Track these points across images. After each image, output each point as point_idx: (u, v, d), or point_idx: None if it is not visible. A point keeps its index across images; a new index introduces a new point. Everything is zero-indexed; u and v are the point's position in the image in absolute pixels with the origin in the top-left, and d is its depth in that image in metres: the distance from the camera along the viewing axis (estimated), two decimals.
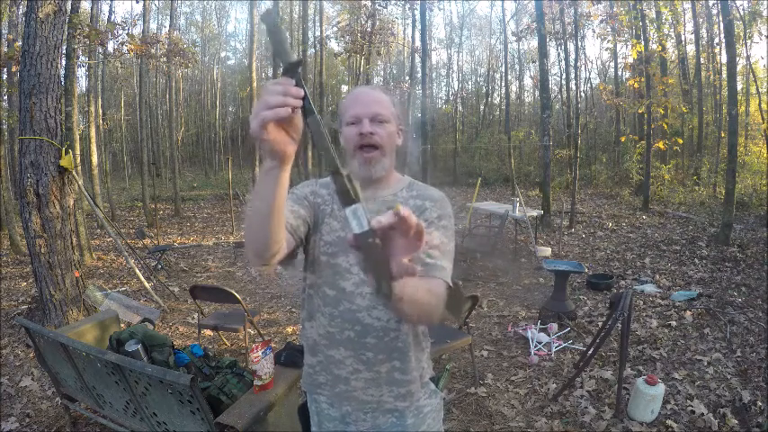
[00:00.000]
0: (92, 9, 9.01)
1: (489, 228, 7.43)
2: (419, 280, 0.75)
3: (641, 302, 4.38)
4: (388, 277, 0.61)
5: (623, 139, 11.77)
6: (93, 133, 9.12)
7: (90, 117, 9.39)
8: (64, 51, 5.48)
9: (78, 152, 7.55)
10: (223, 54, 28.70)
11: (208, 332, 3.87)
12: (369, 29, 13.34)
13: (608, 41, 12.23)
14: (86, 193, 5.02)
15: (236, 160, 22.04)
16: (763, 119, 9.37)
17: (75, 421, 2.59)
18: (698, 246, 6.55)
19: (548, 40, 10.98)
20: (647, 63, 9.47)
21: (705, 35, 14.32)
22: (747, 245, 6.40)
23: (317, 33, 15.76)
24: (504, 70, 19.61)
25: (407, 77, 17.75)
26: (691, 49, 15.01)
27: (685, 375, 3.01)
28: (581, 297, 4.65)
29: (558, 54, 17.18)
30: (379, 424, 1.14)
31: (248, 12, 14.23)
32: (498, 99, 24.44)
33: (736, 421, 2.52)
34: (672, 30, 13.41)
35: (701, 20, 14.14)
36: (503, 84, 21.68)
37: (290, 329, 4.10)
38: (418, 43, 14.08)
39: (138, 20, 10.86)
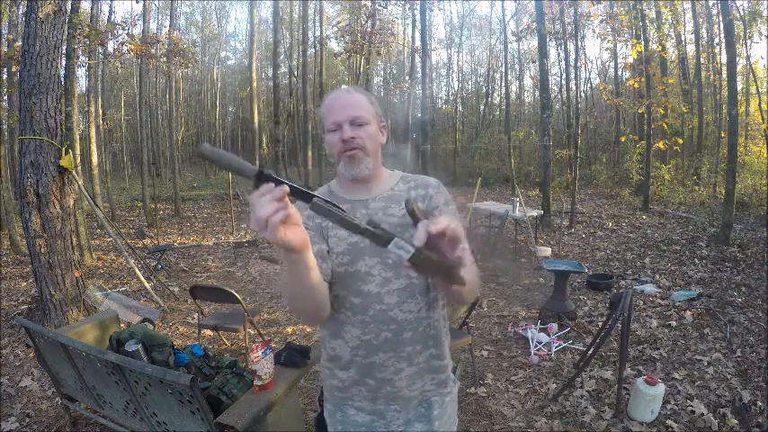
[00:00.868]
0: (92, 9, 9.01)
1: (489, 228, 7.43)
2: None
3: (641, 302, 4.38)
4: (455, 275, 0.71)
5: (623, 139, 11.77)
6: (93, 133, 9.12)
7: (90, 117, 9.39)
8: (64, 51, 5.48)
9: (78, 152, 7.55)
10: (223, 54, 28.73)
11: (208, 332, 3.87)
12: (369, 29, 13.34)
13: (608, 41, 12.23)
14: (86, 193, 5.02)
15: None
16: (763, 119, 9.36)
17: (75, 421, 2.59)
18: (698, 246, 6.55)
19: (548, 40, 10.98)
20: (647, 63, 9.47)
21: (705, 35, 14.32)
22: (747, 245, 6.40)
23: (317, 33, 15.75)
24: (504, 70, 19.60)
25: (407, 77, 17.77)
26: (691, 49, 15.02)
27: (685, 375, 3.01)
28: (581, 297, 4.65)
29: (558, 54, 17.19)
30: (410, 418, 1.16)
31: (248, 12, 14.24)
32: (498, 99, 24.45)
33: (736, 421, 2.52)
34: (672, 30, 13.41)
35: (701, 20, 14.14)
36: (503, 84, 21.68)
37: (290, 329, 4.10)
38: (418, 43, 14.09)
39: (138, 20, 10.86)
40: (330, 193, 1.16)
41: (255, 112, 12.36)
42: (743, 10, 9.78)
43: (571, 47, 13.09)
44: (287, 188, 0.70)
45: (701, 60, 13.81)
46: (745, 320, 3.85)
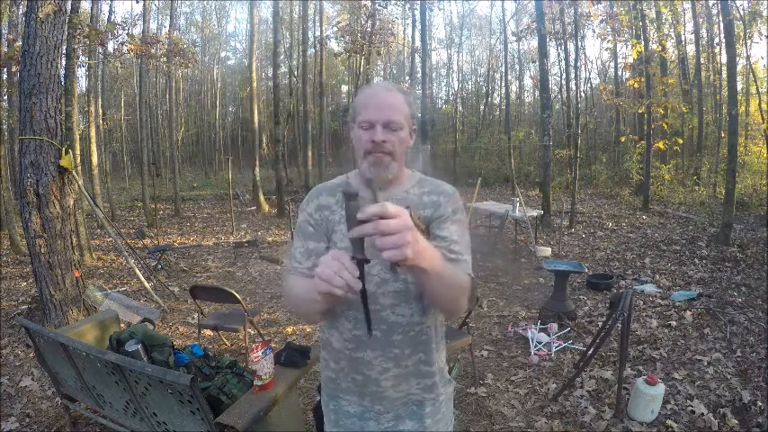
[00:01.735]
0: (92, 9, 9.01)
1: (489, 228, 7.44)
2: (447, 264, 0.89)
3: (641, 302, 4.38)
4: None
5: (623, 139, 11.77)
6: (93, 133, 9.12)
7: (90, 117, 9.39)
8: (64, 51, 5.47)
9: (78, 152, 7.54)
10: (223, 54, 28.73)
11: (208, 332, 3.87)
12: (369, 29, 13.33)
13: (608, 41, 12.22)
14: (86, 193, 5.02)
15: (236, 160, 22.06)
16: (763, 119, 9.36)
17: (75, 421, 2.59)
18: (698, 246, 6.55)
19: (548, 40, 10.98)
20: (647, 63, 9.47)
21: (705, 35, 14.32)
22: (747, 245, 6.40)
23: (317, 33, 15.76)
24: (504, 70, 19.60)
25: (407, 77, 17.77)
26: (691, 49, 15.02)
27: (685, 375, 3.01)
28: (581, 297, 4.65)
29: (558, 54, 17.18)
30: (400, 414, 1.16)
31: (248, 12, 14.24)
32: (498, 99, 24.46)
33: (736, 421, 2.52)
34: (672, 30, 13.41)
35: (701, 20, 14.14)
36: (503, 84, 21.68)
37: (290, 329, 4.10)
38: (418, 43, 14.09)
39: (138, 20, 10.86)
40: (347, 184, 1.16)
41: (255, 112, 12.36)
42: (743, 10, 9.79)
43: (571, 47, 13.09)
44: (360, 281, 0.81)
45: (701, 60, 13.81)
46: (745, 320, 3.85)
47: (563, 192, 12.50)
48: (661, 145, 9.69)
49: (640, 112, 10.16)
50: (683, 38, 14.78)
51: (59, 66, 3.69)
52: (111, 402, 2.17)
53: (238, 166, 21.63)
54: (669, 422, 2.49)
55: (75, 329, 2.66)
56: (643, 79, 9.74)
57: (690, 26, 14.77)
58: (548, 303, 4.09)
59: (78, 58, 7.47)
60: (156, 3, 17.86)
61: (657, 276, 5.21)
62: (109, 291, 4.86)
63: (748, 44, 11.16)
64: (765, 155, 10.45)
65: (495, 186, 15.36)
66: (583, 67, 18.22)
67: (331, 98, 25.50)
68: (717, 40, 13.25)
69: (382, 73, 24.08)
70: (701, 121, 13.13)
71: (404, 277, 1.07)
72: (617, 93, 13.68)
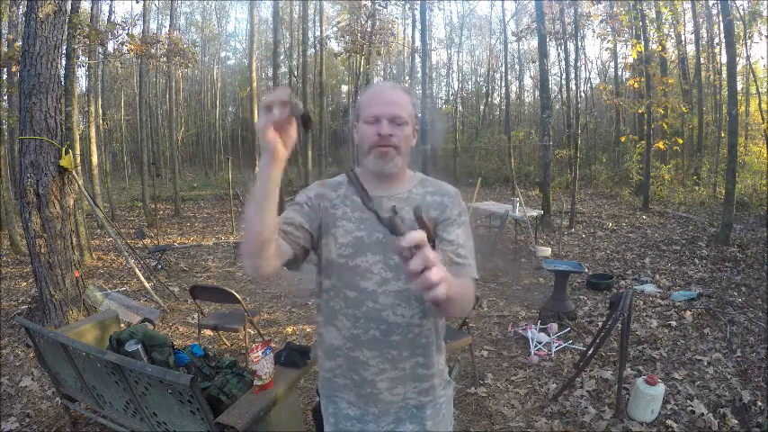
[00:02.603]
0: (92, 9, 9.01)
1: (489, 228, 7.44)
2: (457, 280, 0.86)
3: (641, 302, 4.38)
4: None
5: (623, 139, 11.77)
6: (93, 133, 9.11)
7: (90, 117, 9.39)
8: (64, 51, 5.48)
9: (78, 152, 7.54)
10: (223, 54, 28.72)
11: (208, 332, 3.87)
12: (369, 29, 13.33)
13: (608, 41, 12.23)
14: (86, 193, 5.02)
15: (236, 160, 22.04)
16: (763, 119, 9.36)
17: (75, 421, 2.59)
18: (698, 246, 6.55)
19: (548, 40, 10.98)
20: (647, 63, 9.47)
21: (705, 35, 14.32)
22: (747, 245, 6.40)
23: (317, 33, 15.76)
24: (504, 70, 19.59)
25: (407, 77, 17.76)
26: (691, 49, 15.02)
27: (685, 375, 3.01)
28: (581, 297, 4.65)
29: (558, 54, 17.18)
30: (400, 417, 1.15)
31: (248, 12, 14.24)
32: (498, 99, 24.45)
33: (736, 421, 2.52)
34: (672, 30, 13.41)
35: (701, 20, 14.13)
36: (503, 84, 21.67)
37: (290, 329, 4.10)
38: (418, 43, 14.08)
39: (138, 20, 10.86)
40: (349, 182, 1.16)
41: (255, 112, 12.36)
42: (743, 10, 9.78)
43: (571, 47, 13.10)
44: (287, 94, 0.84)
45: (701, 60, 13.80)
46: (745, 320, 3.85)
47: (563, 192, 12.50)
48: (661, 145, 9.69)
49: (640, 112, 10.16)
50: (683, 38, 14.78)
51: (59, 66, 3.69)
52: (111, 402, 2.17)
53: (238, 166, 21.62)
54: (669, 422, 2.49)
55: (75, 329, 2.66)
56: (643, 79, 9.74)
57: (690, 26, 14.78)
58: (548, 303, 4.09)
59: (78, 58, 7.47)
60: (156, 3, 17.87)
61: (657, 276, 5.21)
62: (109, 291, 4.86)
63: (748, 44, 11.17)
64: (765, 155, 10.45)
65: (495, 186, 15.36)
66: (583, 67, 18.22)
67: (331, 98, 25.51)
68: (717, 40, 13.25)
69: (382, 73, 24.08)
70: (701, 121, 13.13)
71: (405, 277, 1.06)
72: (617, 93, 13.68)
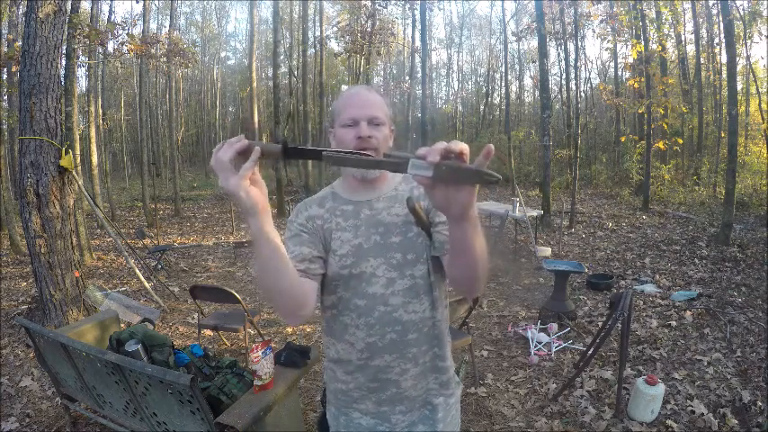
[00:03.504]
0: (92, 9, 9.01)
1: (489, 228, 7.44)
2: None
3: (641, 302, 4.38)
4: (485, 173, 0.68)
5: (623, 139, 11.76)
6: (93, 133, 9.12)
7: (90, 117, 9.39)
8: (64, 51, 5.48)
9: (78, 152, 7.55)
10: (223, 54, 28.72)
11: (208, 332, 3.87)
12: (369, 29, 13.33)
13: (608, 41, 12.22)
14: (86, 193, 5.02)
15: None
16: (763, 119, 9.36)
17: (75, 421, 2.59)
18: (698, 246, 6.55)
19: (548, 40, 10.98)
20: (647, 63, 9.46)
21: (705, 35, 14.31)
22: (747, 245, 6.40)
23: (317, 33, 15.74)
24: (504, 70, 19.57)
25: (407, 77, 17.76)
26: (691, 49, 15.01)
27: (685, 375, 3.01)
28: (581, 297, 4.65)
29: (558, 54, 17.18)
30: (414, 421, 1.15)
31: (248, 12, 14.23)
32: (498, 99, 24.42)
33: (736, 421, 2.52)
34: (672, 30, 13.41)
35: (701, 20, 14.13)
36: (503, 84, 21.65)
37: (290, 329, 4.10)
38: (418, 43, 14.09)
39: (138, 20, 10.86)
40: (333, 194, 1.16)
41: (255, 112, 12.36)
42: (743, 10, 9.78)
43: (571, 47, 13.09)
44: (247, 143, 0.76)
45: (701, 60, 13.80)
46: (745, 320, 3.85)
47: (563, 192, 12.50)
48: (661, 145, 9.68)
49: (640, 112, 10.16)
50: (683, 38, 14.78)
51: (59, 66, 3.69)
52: (111, 402, 2.17)
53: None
54: (669, 422, 2.49)
55: (75, 329, 2.66)
56: (643, 79, 9.74)
57: (690, 26, 14.78)
58: (548, 303, 4.09)
59: (78, 58, 7.47)
60: (156, 3, 17.86)
61: (657, 276, 5.21)
62: (109, 291, 4.86)
63: (748, 44, 11.16)
64: (765, 155, 10.45)
65: (495, 186, 15.33)
66: (583, 67, 18.22)
67: (331, 98, 25.50)
68: (717, 40, 13.25)
69: (382, 73, 24.08)
70: (701, 121, 13.13)
71: (410, 273, 1.07)
72: (617, 93, 13.68)
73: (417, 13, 14.24)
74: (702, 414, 2.55)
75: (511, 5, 22.84)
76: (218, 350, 3.70)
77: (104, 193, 10.82)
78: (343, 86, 25.39)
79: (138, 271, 4.83)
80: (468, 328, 3.11)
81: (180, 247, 7.67)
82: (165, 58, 10.05)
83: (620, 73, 16.39)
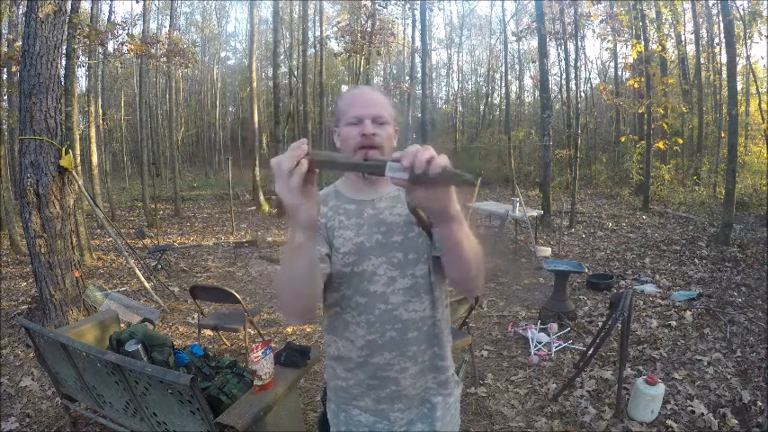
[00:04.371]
0: (92, 9, 9.01)
1: (489, 228, 7.44)
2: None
3: (641, 302, 4.38)
4: (462, 176, 0.73)
5: (623, 139, 11.77)
6: (93, 133, 9.12)
7: (90, 117, 9.39)
8: (64, 51, 5.48)
9: (78, 152, 7.55)
10: (223, 54, 28.73)
11: (208, 332, 3.87)
12: (369, 29, 13.34)
13: (608, 41, 12.23)
14: (86, 193, 5.02)
15: (237, 160, 22.04)
16: (763, 119, 9.36)
17: (75, 421, 2.59)
18: (698, 246, 6.55)
19: (548, 40, 10.98)
20: (647, 63, 9.46)
21: (705, 35, 14.32)
22: (747, 245, 6.40)
23: (317, 33, 15.75)
24: (504, 70, 19.58)
25: (407, 77, 17.76)
26: (691, 49, 15.02)
27: (685, 375, 3.01)
28: (581, 297, 4.65)
29: (558, 54, 17.19)
30: (413, 419, 1.16)
31: (248, 12, 14.24)
32: (498, 99, 24.44)
33: (736, 421, 2.52)
34: (672, 30, 13.41)
35: (701, 20, 14.13)
36: (503, 84, 21.66)
37: (290, 329, 4.10)
38: (418, 43, 14.09)
39: (138, 20, 10.86)
40: (336, 192, 1.16)
41: (255, 112, 12.36)
42: (743, 10, 9.78)
43: (571, 47, 13.10)
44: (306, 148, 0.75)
45: (701, 60, 13.80)
46: (745, 320, 3.85)
47: (563, 192, 12.50)
48: (661, 145, 9.69)
49: (640, 112, 10.16)
50: (683, 38, 14.78)
51: (59, 66, 3.69)
52: (111, 402, 2.17)
53: (238, 166, 21.61)
54: (669, 422, 2.49)
55: (75, 329, 2.66)
56: (643, 79, 9.74)
57: (690, 26, 14.78)
58: (548, 303, 4.09)
59: (78, 58, 7.47)
60: (156, 3, 17.87)
61: (657, 276, 5.21)
62: (109, 291, 4.86)
63: (748, 44, 11.17)
64: (765, 155, 10.45)
65: (495, 186, 15.35)
66: (583, 67, 18.23)
67: (331, 98, 25.51)
68: (717, 40, 13.25)
69: (382, 73, 24.10)
70: (701, 121, 13.13)
71: (411, 272, 1.07)
72: (617, 93, 13.68)
73: (417, 13, 14.25)
74: (702, 414, 2.55)
75: (511, 5, 22.84)
76: (218, 350, 3.70)
77: (104, 193, 10.82)
78: (343, 86, 25.41)
79: (138, 271, 4.83)
80: (468, 328, 3.11)
81: (180, 247, 7.67)
82: (165, 58, 10.05)
83: (620, 73, 16.40)
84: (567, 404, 2.76)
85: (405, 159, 0.72)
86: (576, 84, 11.28)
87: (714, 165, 11.77)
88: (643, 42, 9.87)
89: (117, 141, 21.35)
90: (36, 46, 3.49)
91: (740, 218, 8.26)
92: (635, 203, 10.75)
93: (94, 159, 9.13)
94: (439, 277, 1.10)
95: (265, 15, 19.45)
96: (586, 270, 4.92)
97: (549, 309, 4.01)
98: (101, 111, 12.50)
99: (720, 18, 9.09)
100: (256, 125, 12.49)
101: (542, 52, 9.10)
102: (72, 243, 3.89)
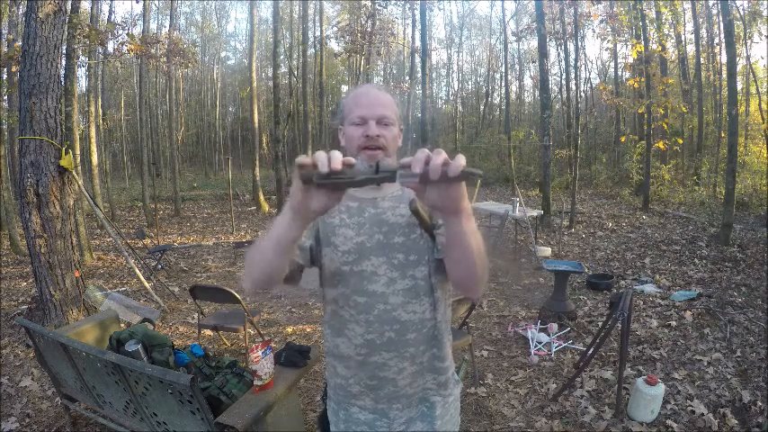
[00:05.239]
0: (92, 9, 9.03)
1: (489, 228, 7.44)
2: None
3: (641, 302, 4.38)
4: (469, 172, 0.73)
5: (623, 139, 11.76)
6: (93, 133, 9.12)
7: (90, 117, 9.40)
8: (64, 51, 5.47)
9: (78, 152, 7.55)
10: (223, 54, 28.76)
11: (208, 332, 3.87)
12: (369, 29, 13.33)
13: (608, 41, 12.25)
14: (86, 193, 5.02)
15: (236, 160, 22.05)
16: (763, 119, 9.35)
17: (75, 421, 2.59)
18: (698, 246, 6.55)
19: (548, 40, 10.97)
20: (647, 63, 9.46)
21: (705, 35, 14.32)
22: (747, 245, 6.40)
23: (317, 33, 15.76)
24: (504, 70, 19.59)
25: (407, 77, 17.76)
26: (691, 49, 15.02)
27: (685, 375, 3.01)
28: (581, 297, 4.65)
29: (558, 54, 17.19)
30: (412, 417, 1.16)
31: (248, 12, 14.24)
32: (498, 99, 24.47)
33: (736, 421, 2.52)
34: (672, 30, 13.41)
35: (701, 20, 14.14)
36: (503, 84, 21.68)
37: (290, 329, 4.10)
38: (418, 43, 14.08)
39: (138, 20, 10.86)
40: None
41: (255, 112, 12.36)
42: (743, 10, 9.79)
43: (571, 47, 13.09)
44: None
45: (701, 60, 13.80)
46: (745, 320, 3.85)
47: (563, 192, 12.50)
48: (661, 145, 9.69)
49: (640, 112, 10.16)
50: (683, 38, 14.78)
51: (59, 66, 3.69)
52: (111, 402, 2.17)
53: (238, 165, 21.62)
54: (669, 422, 2.49)
55: (75, 329, 2.66)
56: (643, 79, 9.74)
57: (690, 26, 14.79)
58: (548, 303, 4.09)
59: (78, 58, 7.47)
60: (156, 3, 17.86)
61: (657, 276, 5.21)
62: (109, 291, 4.86)
63: (748, 44, 11.16)
64: (765, 155, 10.45)
65: (495, 186, 15.35)
66: (583, 67, 18.25)
67: (331, 98, 25.52)
68: (717, 40, 13.25)
69: (382, 73, 24.11)
70: (701, 121, 13.13)
71: (411, 273, 1.07)
72: (617, 93, 13.69)
73: (417, 13, 14.25)
74: (702, 414, 2.55)
75: (511, 5, 22.86)
76: (218, 350, 3.70)
77: (104, 193, 10.82)
78: (343, 86, 25.42)
79: (138, 271, 4.83)
80: (468, 328, 3.11)
81: (180, 247, 7.67)
82: (165, 58, 10.05)
83: (620, 73, 16.40)
84: (567, 404, 2.76)
85: (415, 166, 0.71)
86: (576, 84, 11.28)
87: (714, 165, 11.77)
88: (643, 42, 9.87)
89: (117, 141, 21.34)
90: (36, 46, 3.49)
91: (740, 218, 8.26)
92: (635, 203, 10.75)
93: (94, 159, 9.14)
94: (440, 279, 1.09)
95: (265, 15, 19.50)
96: (586, 270, 4.92)
97: (549, 309, 4.01)
98: (101, 111, 12.51)
99: (720, 18, 9.09)
100: (256, 125, 12.49)
101: (542, 52, 9.10)
102: (72, 243, 3.89)
